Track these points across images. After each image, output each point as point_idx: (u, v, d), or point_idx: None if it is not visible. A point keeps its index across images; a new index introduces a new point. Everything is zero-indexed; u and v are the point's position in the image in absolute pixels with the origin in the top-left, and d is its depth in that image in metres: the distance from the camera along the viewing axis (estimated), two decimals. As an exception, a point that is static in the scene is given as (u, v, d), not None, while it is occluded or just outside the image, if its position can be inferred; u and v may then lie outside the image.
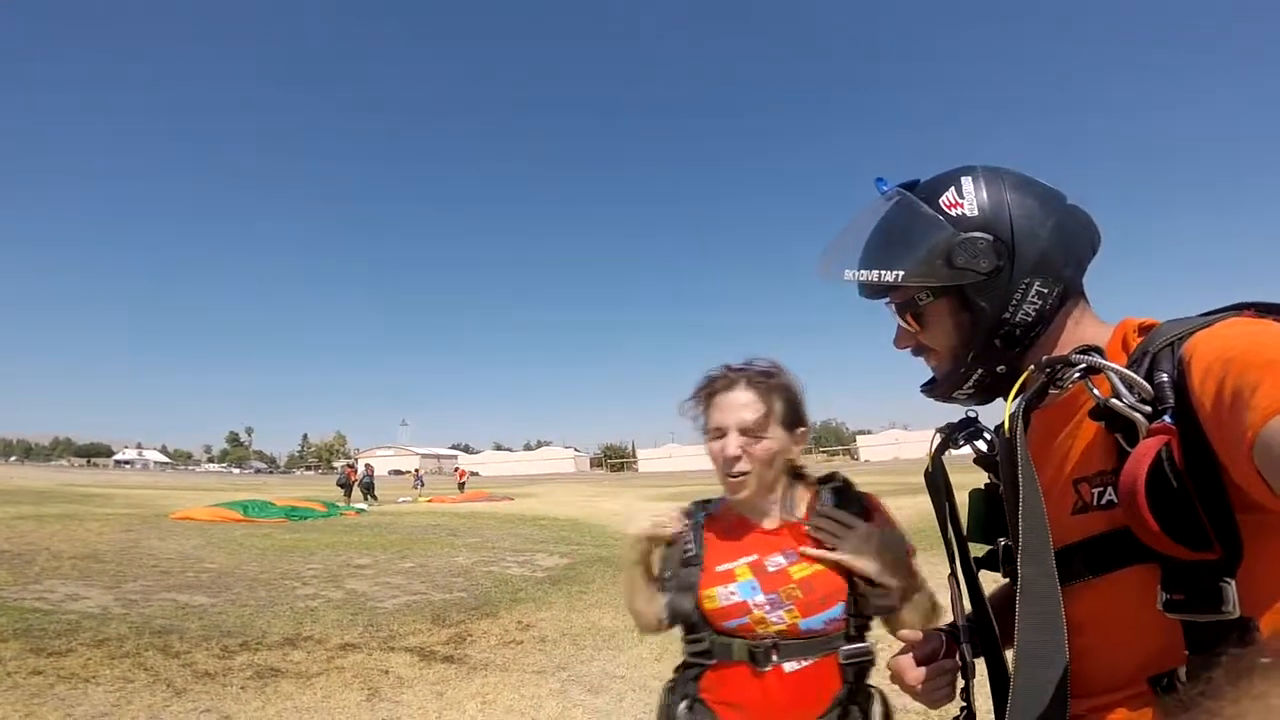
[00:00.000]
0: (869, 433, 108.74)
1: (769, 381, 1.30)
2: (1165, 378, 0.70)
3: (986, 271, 0.85)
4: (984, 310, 0.87)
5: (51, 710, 3.55)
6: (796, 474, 1.35)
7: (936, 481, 1.03)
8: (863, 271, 0.94)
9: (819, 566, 1.22)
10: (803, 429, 1.32)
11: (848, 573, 1.22)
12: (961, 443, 1.00)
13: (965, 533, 0.99)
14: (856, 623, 1.23)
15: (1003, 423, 0.84)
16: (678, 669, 1.33)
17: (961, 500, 1.02)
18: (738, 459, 1.24)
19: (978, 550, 0.98)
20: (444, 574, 8.20)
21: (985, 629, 0.94)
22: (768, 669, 1.21)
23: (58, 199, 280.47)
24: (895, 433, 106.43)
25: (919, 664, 0.99)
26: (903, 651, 1.02)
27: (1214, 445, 0.63)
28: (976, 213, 0.87)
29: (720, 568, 1.27)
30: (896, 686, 1.04)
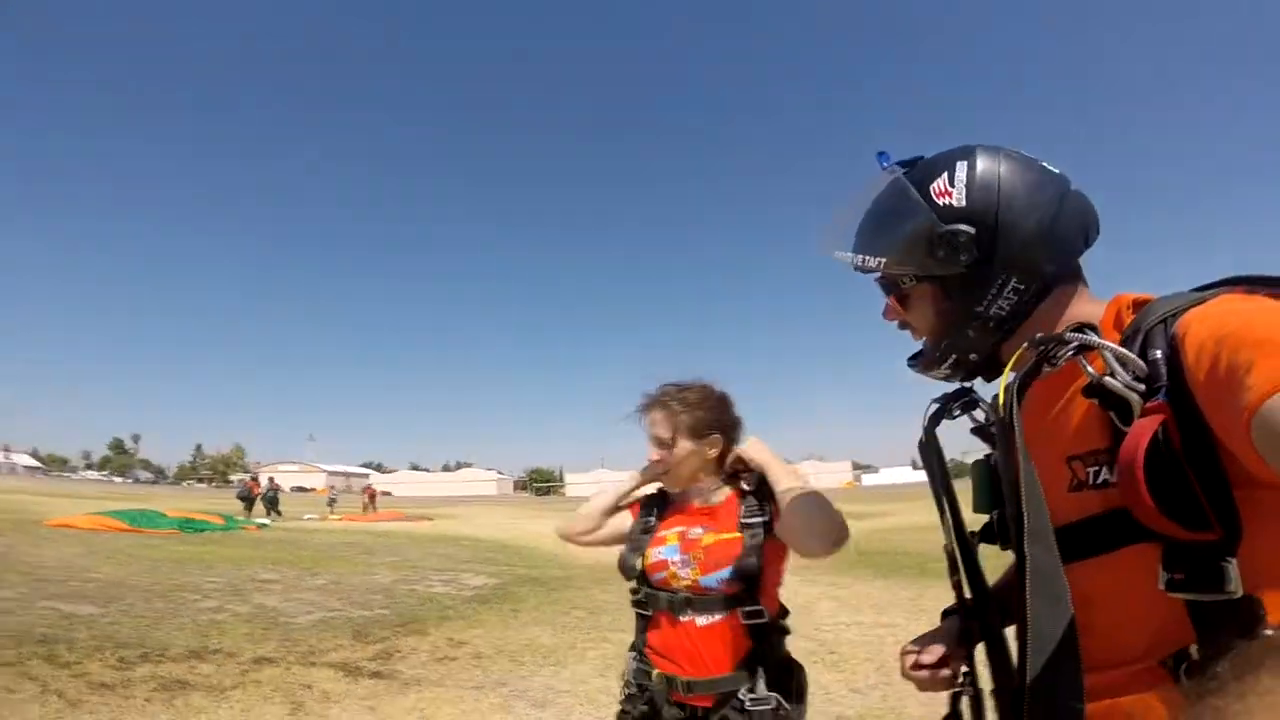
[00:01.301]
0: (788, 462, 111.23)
1: (675, 403, 1.64)
2: (1159, 355, 0.69)
3: (965, 265, 0.86)
4: (959, 303, 0.89)
5: (-85, 723, 3.08)
6: (733, 473, 1.67)
7: (929, 452, 1.01)
8: (850, 254, 0.97)
9: (720, 537, 1.56)
10: (715, 435, 1.63)
11: (742, 544, 1.53)
12: (957, 413, 0.98)
13: (974, 506, 0.98)
14: (745, 586, 1.50)
15: (997, 397, 0.84)
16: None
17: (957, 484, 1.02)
18: (657, 463, 1.65)
19: (972, 523, 0.98)
20: (362, 591, 7.75)
21: (982, 604, 0.94)
22: (684, 620, 1.53)
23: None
24: (812, 463, 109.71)
25: (924, 664, 0.99)
26: (914, 643, 1.02)
27: (1210, 424, 0.63)
28: (964, 204, 0.86)
29: (660, 533, 1.65)
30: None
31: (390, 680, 4.33)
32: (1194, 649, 0.65)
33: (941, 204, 0.87)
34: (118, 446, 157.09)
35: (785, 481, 1.52)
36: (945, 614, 1.04)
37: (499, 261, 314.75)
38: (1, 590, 6.22)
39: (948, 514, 0.97)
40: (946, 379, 0.98)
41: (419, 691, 4.13)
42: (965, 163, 0.88)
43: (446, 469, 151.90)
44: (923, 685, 0.99)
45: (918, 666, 0.98)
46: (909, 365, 1.01)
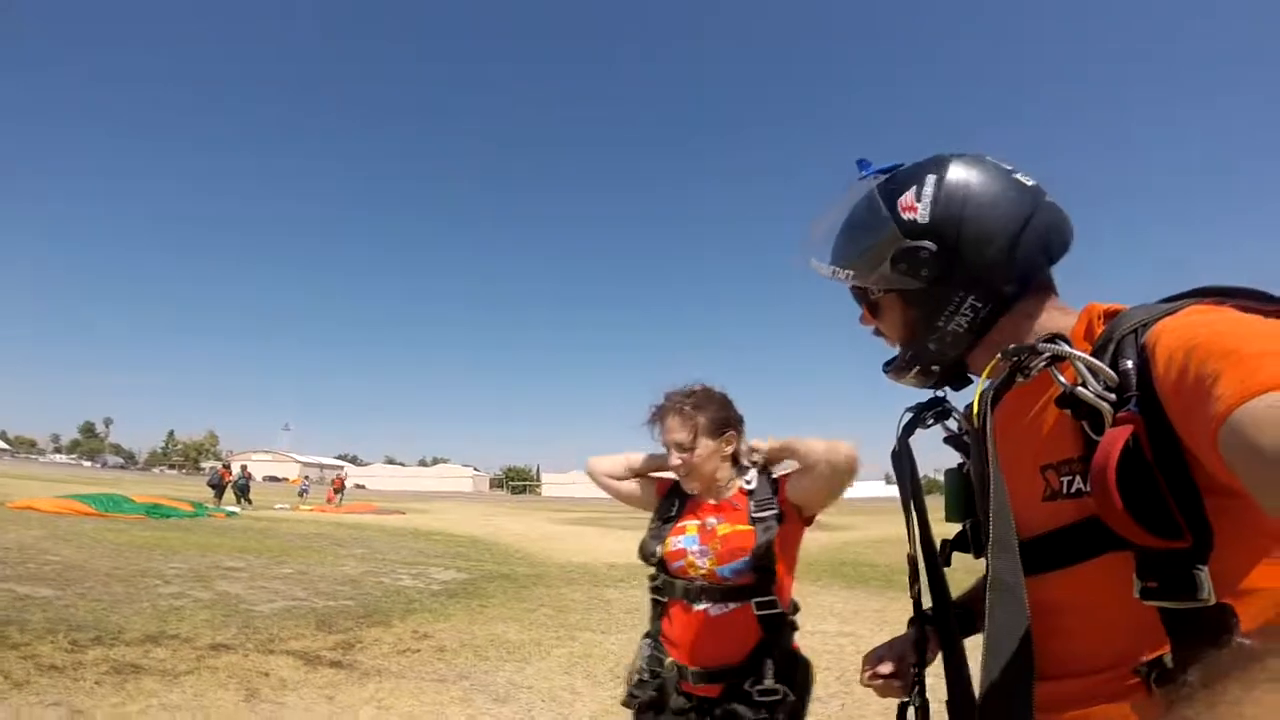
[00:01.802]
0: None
1: (690, 406, 1.71)
2: (1130, 365, 0.70)
3: (925, 280, 0.88)
4: (918, 317, 0.92)
5: None
6: (742, 465, 1.75)
7: (902, 461, 1.02)
8: (823, 265, 1.00)
9: (735, 528, 1.63)
10: (730, 432, 1.72)
11: (753, 536, 1.60)
12: (930, 422, 1.00)
13: (946, 515, 1.00)
14: (760, 577, 1.57)
15: (971, 406, 0.86)
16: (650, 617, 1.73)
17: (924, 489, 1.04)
18: (679, 466, 1.70)
19: (945, 532, 0.99)
20: (328, 581, 7.65)
21: (943, 612, 0.95)
22: (698, 609, 1.59)
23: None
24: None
25: (881, 674, 1.01)
26: (875, 651, 1.05)
27: (1180, 433, 0.64)
28: (927, 220, 0.87)
29: (679, 524, 1.72)
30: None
31: (350, 670, 4.28)
32: (1167, 657, 0.65)
33: (907, 219, 0.89)
34: (88, 430, 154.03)
35: (792, 439, 1.64)
36: (911, 622, 1.05)
37: (482, 261, 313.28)
38: (-46, 570, 6.05)
39: (914, 522, 0.99)
40: (918, 385, 0.99)
41: (378, 682, 4.08)
42: (934, 176, 0.89)
43: (423, 464, 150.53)
44: (881, 692, 1.02)
45: (875, 676, 1.01)
46: (884, 371, 1.02)
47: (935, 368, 0.94)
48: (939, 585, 0.96)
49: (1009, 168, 0.91)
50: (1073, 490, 0.74)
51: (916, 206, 0.88)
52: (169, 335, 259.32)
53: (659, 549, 1.69)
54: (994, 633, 0.72)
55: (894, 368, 0.99)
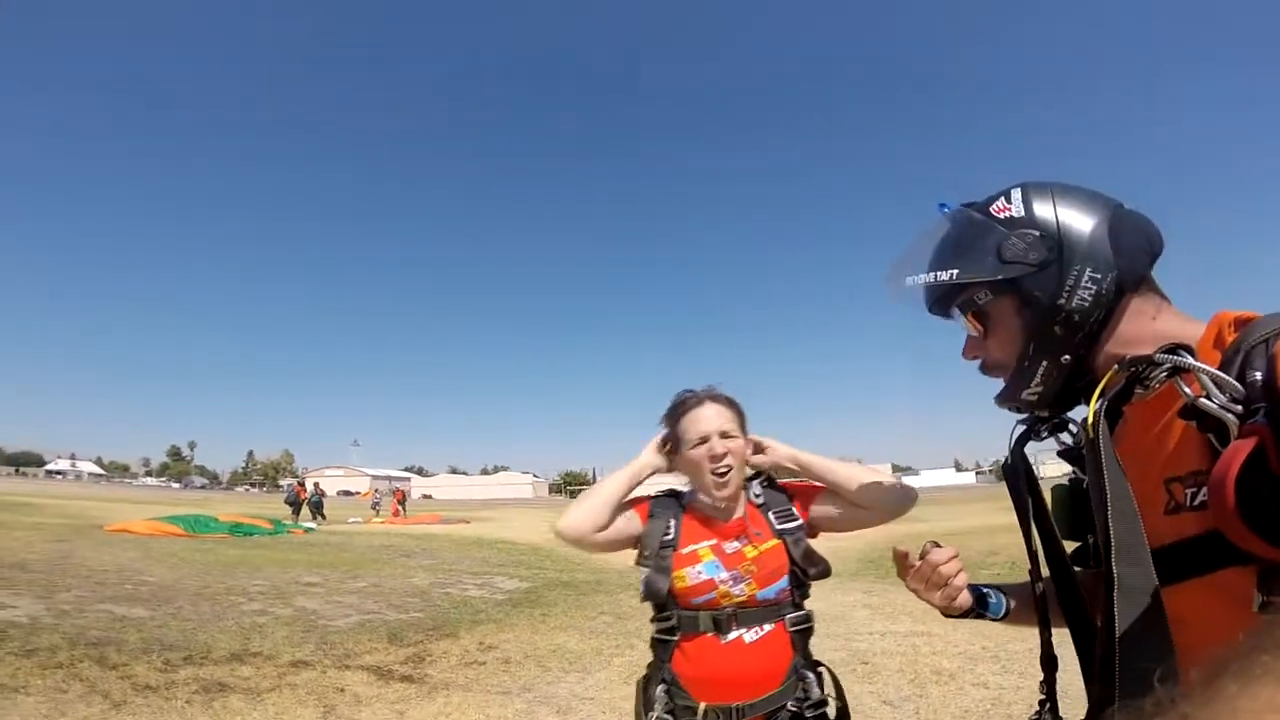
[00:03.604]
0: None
1: (729, 401, 1.62)
2: (1259, 376, 0.68)
3: (1036, 263, 0.87)
4: (1039, 300, 0.88)
5: (-25, 721, 3.28)
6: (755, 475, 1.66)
7: (1017, 474, 1.00)
8: (922, 276, 0.97)
9: (766, 546, 1.51)
10: (750, 439, 1.62)
11: (787, 551, 1.51)
12: (1045, 435, 0.98)
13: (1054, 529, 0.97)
14: (799, 593, 1.52)
15: (1087, 418, 0.83)
16: (651, 661, 1.54)
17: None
18: (724, 456, 1.51)
19: (1067, 547, 0.97)
20: (399, 594, 7.92)
21: (1081, 625, 0.92)
22: (730, 637, 1.44)
23: None
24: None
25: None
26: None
27: None
28: (1024, 213, 0.90)
29: (686, 550, 1.51)
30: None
31: (420, 684, 4.43)
32: None
33: (1003, 217, 0.92)
34: (175, 453, 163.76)
35: (820, 461, 1.56)
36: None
37: (529, 271, 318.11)
38: (60, 594, 6.54)
39: (1036, 538, 0.96)
40: (1038, 402, 0.95)
41: (446, 696, 4.22)
42: (1019, 188, 0.93)
43: (484, 472, 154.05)
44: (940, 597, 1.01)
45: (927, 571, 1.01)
46: (997, 401, 0.99)
47: (1065, 358, 0.89)
48: (1074, 601, 0.93)
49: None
50: (1196, 503, 0.72)
51: (1009, 207, 0.92)
52: (245, 360, 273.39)
53: (668, 584, 1.48)
54: (1128, 638, 0.71)
55: (1015, 379, 0.94)
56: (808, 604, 1.55)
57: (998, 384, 0.99)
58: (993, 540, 11.30)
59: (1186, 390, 0.72)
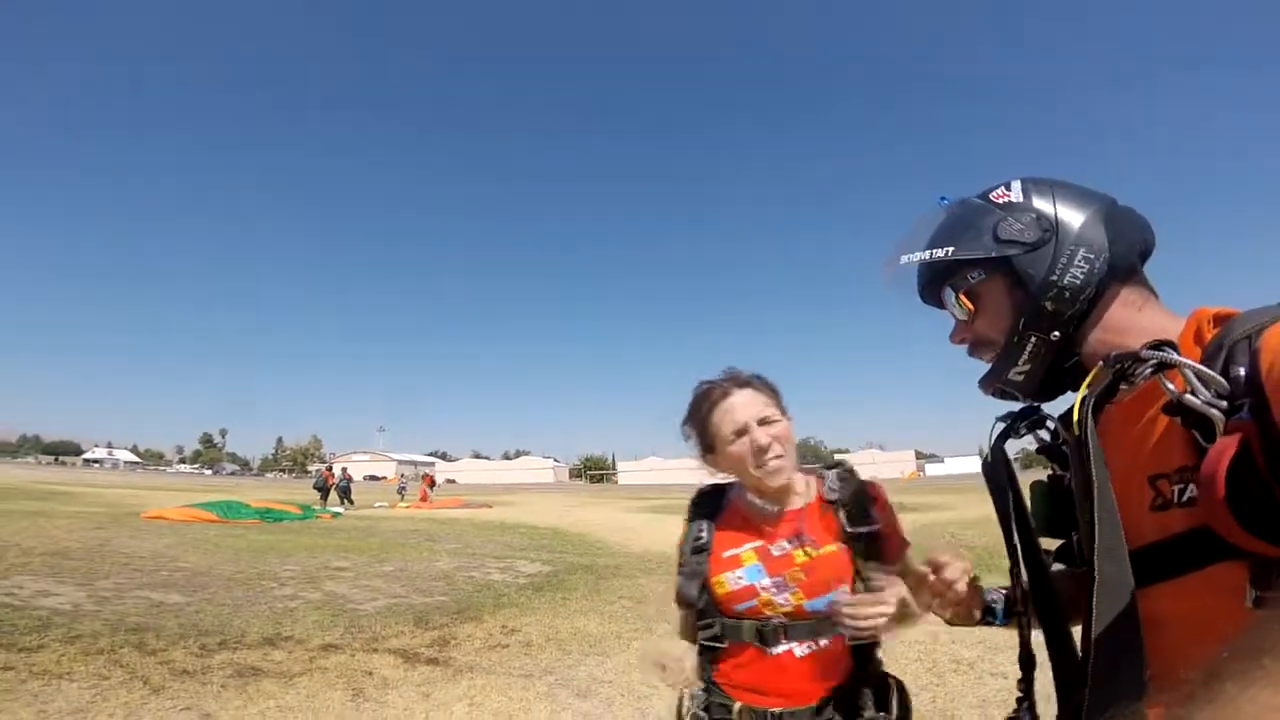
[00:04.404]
0: (847, 451, 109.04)
1: (758, 380, 1.39)
2: (1243, 371, 0.68)
3: (1031, 242, 0.89)
4: (1032, 277, 0.89)
5: (24, 706, 3.44)
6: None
7: (997, 473, 0.98)
8: (917, 254, 0.98)
9: (822, 551, 1.30)
10: (790, 416, 1.39)
11: (849, 557, 1.29)
12: (1024, 432, 0.98)
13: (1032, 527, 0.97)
14: None
15: (1070, 413, 0.83)
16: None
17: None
18: (771, 444, 1.30)
19: (1047, 546, 0.97)
20: (424, 578, 8.09)
21: (1053, 623, 0.92)
22: (778, 650, 1.26)
23: (26, 195, 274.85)
24: (872, 452, 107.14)
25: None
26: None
27: None
28: (1021, 199, 0.92)
29: (727, 554, 1.34)
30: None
31: (445, 667, 4.55)
32: None
33: (1001, 201, 0.94)
34: (207, 441, 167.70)
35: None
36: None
37: (552, 258, 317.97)
38: (100, 580, 6.80)
39: (1015, 536, 0.95)
40: (1022, 383, 0.94)
41: (470, 679, 4.32)
42: (1018, 179, 0.96)
43: (506, 457, 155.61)
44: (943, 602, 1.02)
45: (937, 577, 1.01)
46: (981, 385, 1.00)
47: (1055, 335, 0.89)
48: (1050, 600, 0.92)
49: None
50: (1185, 499, 0.72)
51: (1008, 194, 0.94)
52: (274, 348, 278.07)
53: (702, 591, 1.33)
54: (1104, 639, 0.71)
55: (1002, 359, 0.94)
56: None
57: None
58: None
59: (1170, 386, 0.72)
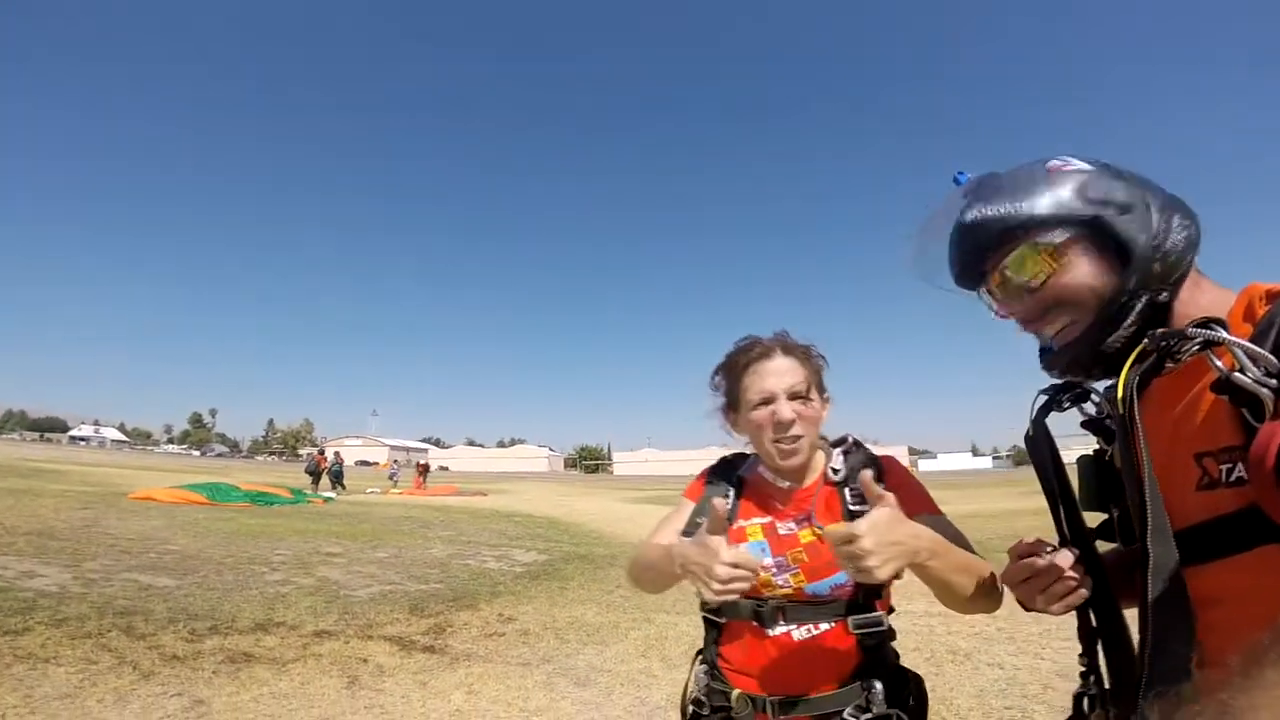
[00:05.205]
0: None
1: (804, 349, 1.31)
2: None
3: (1123, 203, 0.83)
4: (1135, 237, 0.82)
5: (10, 691, 3.34)
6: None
7: (1039, 449, 0.95)
8: (992, 207, 0.87)
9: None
10: (829, 398, 1.33)
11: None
12: (1067, 405, 0.95)
13: (1080, 504, 0.94)
14: (865, 590, 1.21)
15: (1114, 388, 0.80)
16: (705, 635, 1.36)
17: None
18: (793, 422, 1.23)
19: (1091, 520, 0.94)
20: (419, 565, 8.02)
21: (1104, 599, 0.88)
22: (775, 632, 1.22)
23: (16, 175, 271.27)
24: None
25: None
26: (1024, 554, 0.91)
27: None
28: (1090, 166, 0.86)
29: (735, 525, 1.29)
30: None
31: (441, 655, 4.48)
32: None
33: (1071, 169, 0.87)
34: (196, 421, 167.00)
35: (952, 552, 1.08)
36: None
37: (550, 246, 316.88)
38: (87, 562, 6.67)
39: (1061, 511, 0.92)
40: (1117, 353, 0.83)
41: (468, 667, 4.25)
42: (1062, 157, 0.89)
43: (501, 445, 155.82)
44: (1032, 597, 0.87)
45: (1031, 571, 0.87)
46: (1049, 365, 0.91)
47: (1164, 295, 0.82)
48: (1098, 574, 0.87)
49: None
50: (1233, 479, 0.71)
51: (1070, 164, 0.87)
52: (267, 328, 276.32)
53: None
54: (1157, 620, 0.71)
55: (1084, 337, 0.84)
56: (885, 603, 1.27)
57: (1028, 361, 0.95)
58: (1012, 524, 11.25)
59: (1219, 364, 0.70)
